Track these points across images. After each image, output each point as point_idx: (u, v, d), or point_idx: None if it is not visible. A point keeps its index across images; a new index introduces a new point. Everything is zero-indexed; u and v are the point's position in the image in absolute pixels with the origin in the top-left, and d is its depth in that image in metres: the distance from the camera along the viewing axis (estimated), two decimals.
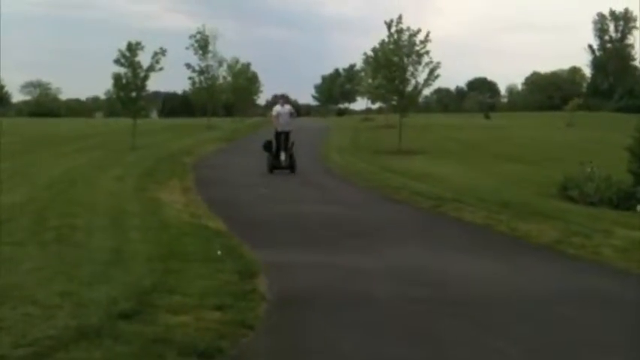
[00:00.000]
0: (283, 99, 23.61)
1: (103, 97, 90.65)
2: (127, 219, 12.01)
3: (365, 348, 5.78)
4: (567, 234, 11.38)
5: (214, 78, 51.94)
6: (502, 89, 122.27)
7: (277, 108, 22.60)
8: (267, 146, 22.06)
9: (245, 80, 62.33)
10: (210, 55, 50.37)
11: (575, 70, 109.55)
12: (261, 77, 69.46)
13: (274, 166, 21.74)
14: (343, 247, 10.63)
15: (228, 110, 69.27)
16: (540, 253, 10.52)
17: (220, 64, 52.61)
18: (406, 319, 6.69)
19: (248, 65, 63.55)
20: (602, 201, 16.79)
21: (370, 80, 44.52)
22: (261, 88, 70.68)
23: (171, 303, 6.43)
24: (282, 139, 21.82)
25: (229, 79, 58.86)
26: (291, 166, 21.82)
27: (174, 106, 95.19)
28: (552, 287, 8.14)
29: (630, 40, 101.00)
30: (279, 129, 21.96)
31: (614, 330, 6.40)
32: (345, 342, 5.90)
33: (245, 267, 8.30)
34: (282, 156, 21.77)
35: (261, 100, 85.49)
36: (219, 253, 9.00)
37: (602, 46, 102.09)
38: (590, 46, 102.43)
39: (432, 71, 34.79)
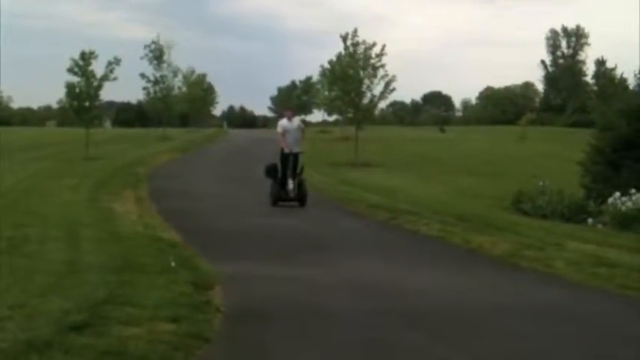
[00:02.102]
0: (290, 112, 18.41)
1: (55, 106, 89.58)
2: (80, 230, 11.83)
3: None
4: (520, 247, 11.50)
5: (169, 88, 51.54)
6: (457, 103, 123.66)
7: (283, 123, 17.58)
8: (271, 171, 17.18)
9: (201, 91, 62.11)
10: (165, 65, 50.02)
11: (528, 86, 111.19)
12: (217, 88, 69.39)
13: (279, 198, 16.82)
14: (299, 259, 10.58)
15: (184, 121, 68.87)
16: (494, 265, 10.62)
17: (175, 74, 52.29)
18: (363, 331, 6.66)
19: (204, 76, 63.41)
20: (554, 214, 17.07)
21: (326, 92, 44.65)
22: (217, 99, 70.57)
23: (124, 315, 6.32)
24: (291, 163, 16.90)
25: (184, 89, 58.55)
26: (300, 199, 16.88)
27: (128, 116, 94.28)
28: (506, 299, 8.20)
29: (582, 56, 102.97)
30: (287, 150, 17.02)
31: (566, 343, 6.47)
32: (302, 355, 5.86)
33: (200, 278, 8.22)
34: (291, 184, 16.82)
35: (217, 110, 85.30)
36: (173, 264, 8.89)
37: (554, 62, 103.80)
38: (543, 62, 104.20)
39: (387, 84, 35.14)
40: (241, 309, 7.25)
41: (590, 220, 16.38)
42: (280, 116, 20.74)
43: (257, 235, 13.03)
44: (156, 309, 6.56)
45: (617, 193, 15.89)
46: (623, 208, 15.90)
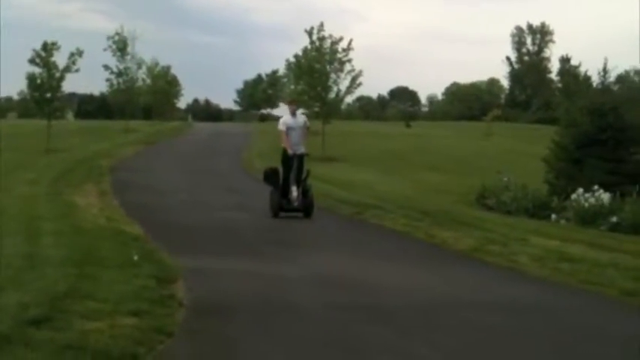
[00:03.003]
0: (294, 106, 15.65)
1: (16, 97, 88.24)
2: (40, 223, 11.64)
3: (287, 356, 5.71)
4: (484, 242, 11.58)
5: (133, 80, 50.95)
6: (423, 99, 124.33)
7: (286, 120, 14.88)
8: (271, 177, 14.65)
9: (165, 83, 61.54)
10: (128, 56, 49.43)
11: (493, 82, 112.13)
12: (182, 81, 68.82)
13: (282, 207, 14.30)
14: (265, 253, 10.54)
15: (147, 113, 68.25)
16: (458, 260, 10.66)
17: (139, 66, 51.67)
18: (326, 325, 6.64)
19: (168, 68, 62.84)
20: (518, 210, 17.23)
21: (293, 86, 44.58)
22: (182, 92, 70.05)
23: (85, 309, 6.21)
24: (295, 167, 14.40)
25: (148, 81, 57.98)
26: (306, 209, 14.36)
27: (90, 108, 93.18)
28: (469, 294, 8.22)
29: (547, 53, 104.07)
30: (290, 151, 14.41)
31: (529, 336, 6.50)
32: (265, 349, 5.81)
33: (163, 272, 8.12)
34: (294, 192, 14.26)
35: (182, 103, 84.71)
36: (135, 258, 8.77)
37: (519, 59, 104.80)
38: (508, 59, 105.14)
39: (354, 79, 35.24)
40: (204, 303, 7.17)
41: (553, 216, 16.55)
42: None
43: (221, 229, 12.95)
44: (118, 303, 6.46)
45: (580, 190, 16.10)
46: (586, 204, 16.09)
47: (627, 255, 10.98)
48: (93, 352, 5.10)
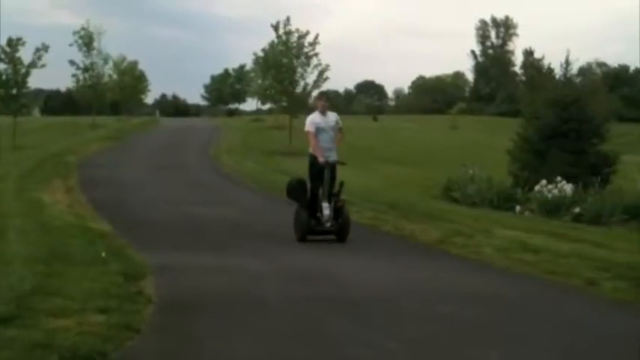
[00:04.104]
0: (324, 101, 12.08)
1: None
2: (6, 220, 11.57)
3: (255, 349, 5.74)
4: (450, 234, 11.73)
5: (99, 76, 50.56)
6: (389, 92, 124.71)
7: (314, 119, 11.78)
8: (296, 190, 11.63)
9: (132, 79, 61.05)
10: (94, 52, 49.00)
11: (458, 75, 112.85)
12: (150, 76, 68.33)
13: (310, 230, 11.29)
14: (234, 249, 10.56)
15: (114, 109, 67.68)
16: (425, 252, 10.79)
17: (106, 61, 51.28)
18: (294, 319, 6.69)
19: (135, 63, 62.32)
20: (483, 202, 17.42)
21: (260, 81, 44.51)
22: (149, 87, 69.55)
23: (52, 306, 6.22)
24: (327, 178, 11.37)
25: (115, 77, 57.51)
26: (340, 231, 11.35)
27: (57, 104, 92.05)
28: (435, 285, 8.34)
29: (510, 46, 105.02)
30: (321, 159, 11.34)
31: (492, 326, 6.62)
32: (236, 344, 5.85)
33: (131, 269, 8.13)
34: (326, 210, 11.26)
35: (149, 99, 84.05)
36: (103, 254, 8.78)
37: (484, 52, 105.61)
38: (473, 52, 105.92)
39: (321, 73, 35.29)
40: (173, 299, 7.19)
41: (517, 208, 16.76)
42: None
43: (190, 224, 12.96)
44: (85, 300, 6.48)
45: (544, 181, 16.31)
46: (549, 195, 16.31)
47: (589, 245, 11.19)
48: (60, 350, 5.11)
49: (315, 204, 11.28)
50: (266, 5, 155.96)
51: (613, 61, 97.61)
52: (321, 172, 11.31)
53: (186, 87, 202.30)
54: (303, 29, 35.39)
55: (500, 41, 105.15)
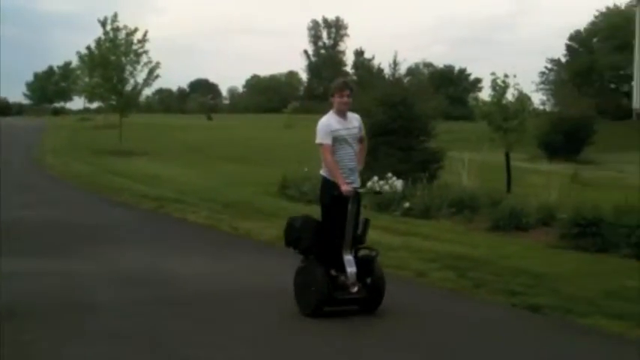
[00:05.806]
0: (346, 96, 7.44)
1: None
2: None
3: (88, 356, 5.56)
4: None
5: None
6: (223, 91, 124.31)
7: (331, 123, 7.27)
8: (302, 235, 7.25)
9: None
10: None
11: (292, 74, 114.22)
12: None
13: (329, 299, 6.85)
14: (65, 252, 10.18)
15: None
16: (262, 250, 10.81)
17: None
18: (127, 321, 6.58)
19: None
20: (318, 199, 17.64)
21: (87, 79, 42.94)
22: None
23: None
24: (352, 215, 7.03)
25: None
26: (374, 296, 7.09)
27: None
28: (269, 282, 8.35)
29: (342, 46, 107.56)
30: (345, 186, 6.94)
31: (330, 320, 6.74)
32: (63, 351, 5.64)
33: None
34: (351, 266, 6.94)
35: None
36: None
37: (316, 52, 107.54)
38: (306, 52, 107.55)
39: (151, 71, 34.66)
40: (2, 308, 6.80)
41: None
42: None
43: (19, 229, 12.27)
44: None
45: (375, 177, 16.71)
46: None
47: (418, 238, 11.66)
48: None
49: (332, 256, 7.00)
50: (94, 1, 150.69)
51: (439, 62, 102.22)
52: (341, 205, 6.98)
53: (7, 84, 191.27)
54: (132, 26, 34.59)
55: (331, 41, 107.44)
